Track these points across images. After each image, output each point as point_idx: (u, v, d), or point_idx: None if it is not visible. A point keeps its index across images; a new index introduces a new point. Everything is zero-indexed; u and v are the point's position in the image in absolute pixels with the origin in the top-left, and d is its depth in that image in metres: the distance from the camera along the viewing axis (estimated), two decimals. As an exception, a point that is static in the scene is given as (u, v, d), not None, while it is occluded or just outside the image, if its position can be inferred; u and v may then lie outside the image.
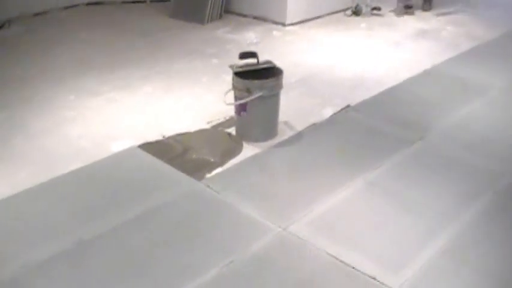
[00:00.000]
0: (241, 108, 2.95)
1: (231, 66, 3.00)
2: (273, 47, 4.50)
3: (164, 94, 3.62)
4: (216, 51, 4.35)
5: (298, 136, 3.07)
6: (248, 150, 2.93)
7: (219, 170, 2.76)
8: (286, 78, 3.76)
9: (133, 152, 2.91)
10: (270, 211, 2.42)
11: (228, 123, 3.18)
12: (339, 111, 3.34)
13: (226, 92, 2.99)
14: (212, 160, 2.84)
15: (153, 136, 3.06)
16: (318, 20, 5.21)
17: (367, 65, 4.15)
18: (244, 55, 2.98)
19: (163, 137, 3.07)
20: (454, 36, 4.80)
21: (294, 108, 3.40)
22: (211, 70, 3.95)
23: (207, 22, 4.97)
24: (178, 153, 2.92)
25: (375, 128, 3.16)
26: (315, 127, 3.17)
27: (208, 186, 2.60)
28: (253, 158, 2.84)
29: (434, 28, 5.00)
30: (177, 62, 4.15)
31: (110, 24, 5.04)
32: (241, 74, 2.93)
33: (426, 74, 3.95)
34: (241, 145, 2.98)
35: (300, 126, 3.17)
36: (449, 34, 4.85)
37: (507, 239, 2.30)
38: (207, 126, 3.18)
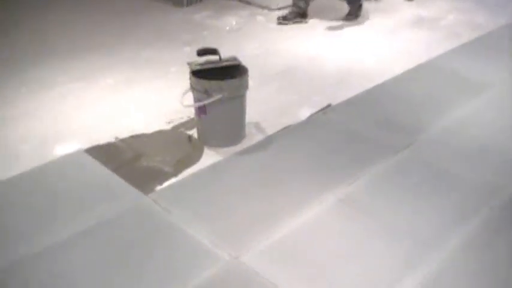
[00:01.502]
0: (200, 111, 2.59)
1: (190, 64, 2.62)
2: (255, 34, 4.11)
3: (126, 87, 3.25)
4: (191, 38, 3.96)
5: (267, 141, 2.70)
6: (208, 158, 2.57)
7: (172, 180, 2.41)
8: (265, 71, 3.44)
9: (78, 157, 2.56)
10: (221, 235, 2.07)
11: (190, 123, 2.82)
12: (318, 112, 2.97)
13: (185, 92, 2.62)
14: (165, 169, 2.48)
15: (105, 137, 2.71)
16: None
17: (356, 56, 3.75)
18: (203, 52, 2.60)
19: (116, 138, 2.71)
20: (455, 24, 4.38)
21: (268, 107, 3.03)
22: (182, 60, 3.52)
23: (186, 5, 4.57)
24: (129, 159, 2.56)
25: (356, 132, 2.79)
26: (287, 130, 2.80)
27: (156, 202, 2.25)
28: (212, 168, 2.48)
29: (435, 16, 4.57)
30: (146, 49, 3.77)
31: (83, 3, 4.65)
32: (201, 73, 2.55)
33: (421, 68, 3.56)
34: (201, 151, 2.62)
35: (271, 129, 2.80)
36: (450, 22, 4.42)
37: (502, 271, 1.93)
38: (168, 127, 2.83)
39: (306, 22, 4.34)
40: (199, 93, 2.54)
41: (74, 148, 2.61)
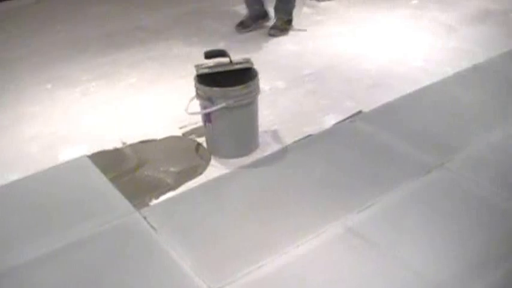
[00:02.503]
0: (206, 119, 2.39)
1: (197, 66, 2.41)
2: (297, 28, 3.83)
3: (147, 86, 3.10)
4: (227, 32, 3.74)
5: (282, 153, 2.45)
6: (214, 170, 2.36)
7: (169, 194, 2.23)
8: (299, 70, 3.20)
9: (79, 164, 2.43)
10: (206, 262, 1.87)
11: (202, 130, 2.61)
12: (344, 120, 2.67)
13: (192, 98, 2.42)
14: (167, 181, 2.31)
15: (115, 141, 2.57)
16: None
17: (403, 56, 3.37)
18: (211, 54, 2.38)
19: (123, 144, 2.57)
20: (526, 19, 3.87)
21: (293, 112, 2.77)
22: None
23: (229, -4, 4.35)
24: (131, 167, 2.41)
25: (383, 146, 2.47)
26: (306, 141, 2.53)
27: (145, 219, 2.08)
28: (212, 183, 2.27)
29: (504, 8, 4.05)
30: (179, 44, 3.59)
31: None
32: (210, 77, 2.34)
33: (475, 70, 3.13)
34: (207, 162, 2.41)
35: (289, 138, 2.54)
36: (520, 16, 3.92)
37: None
38: (179, 132, 2.65)
39: (268, 23, 3.80)
40: (203, 100, 2.33)
41: (81, 152, 2.49)
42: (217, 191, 2.23)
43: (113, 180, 2.31)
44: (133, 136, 2.61)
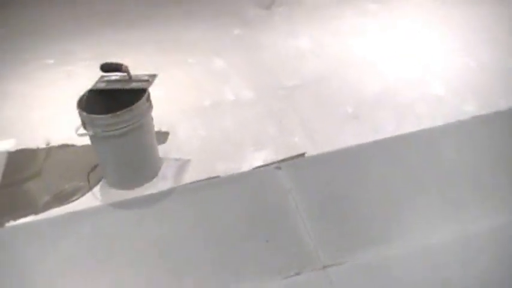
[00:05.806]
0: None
1: (101, 78, 2.15)
2: (335, 15, 3.17)
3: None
4: (251, 17, 3.27)
5: (165, 195, 2.09)
6: (88, 199, 2.13)
7: (29, 218, 2.08)
8: (282, 79, 2.71)
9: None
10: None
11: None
12: (270, 164, 2.15)
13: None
14: (42, 200, 2.16)
15: (41, 140, 2.47)
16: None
17: (423, 75, 2.58)
18: (106, 67, 2.08)
19: (47, 144, 2.47)
20: None
21: (225, 138, 2.37)
22: (221, 46, 2.95)
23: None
24: (29, 175, 2.31)
25: (281, 216, 1.93)
26: (203, 184, 2.11)
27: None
28: (67, 218, 2.05)
29: None
30: (192, 28, 3.23)
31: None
32: (108, 94, 2.08)
33: (503, 115, 2.25)
34: (92, 188, 2.17)
35: (192, 175, 2.16)
36: None
37: None
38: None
39: None
40: (81, 123, 2.06)
41: (9, 146, 2.46)
42: (61, 230, 2.00)
43: (2, 187, 2.25)
44: (62, 137, 2.47)
